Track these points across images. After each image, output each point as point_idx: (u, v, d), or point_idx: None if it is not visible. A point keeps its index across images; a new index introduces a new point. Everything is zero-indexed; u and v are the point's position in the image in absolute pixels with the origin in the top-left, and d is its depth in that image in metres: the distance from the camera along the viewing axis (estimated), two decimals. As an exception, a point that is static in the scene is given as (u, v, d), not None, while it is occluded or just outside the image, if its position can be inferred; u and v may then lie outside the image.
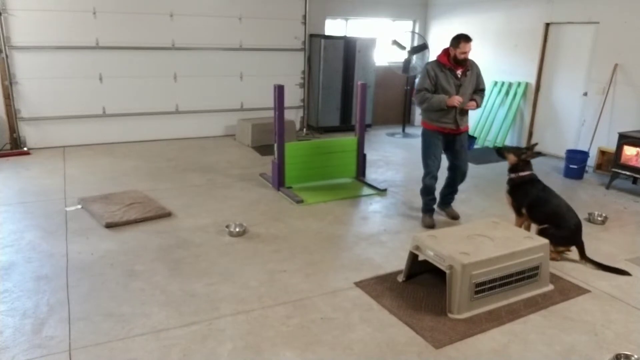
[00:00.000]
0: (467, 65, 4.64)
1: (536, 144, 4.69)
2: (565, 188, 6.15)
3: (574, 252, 4.27)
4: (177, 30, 7.80)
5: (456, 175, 4.96)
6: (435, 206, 5.06)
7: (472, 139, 4.97)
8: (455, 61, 4.58)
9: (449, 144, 4.84)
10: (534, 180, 4.33)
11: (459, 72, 4.63)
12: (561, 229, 4.14)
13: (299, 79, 8.99)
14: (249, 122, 7.98)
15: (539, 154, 4.48)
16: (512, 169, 4.38)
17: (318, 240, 4.49)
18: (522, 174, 4.32)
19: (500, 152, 4.53)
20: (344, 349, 2.98)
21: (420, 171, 5.03)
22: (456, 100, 4.55)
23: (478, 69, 4.79)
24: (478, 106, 4.78)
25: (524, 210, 4.31)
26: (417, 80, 9.14)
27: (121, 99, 7.70)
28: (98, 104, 7.56)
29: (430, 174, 4.88)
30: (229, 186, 5.92)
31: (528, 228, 4.38)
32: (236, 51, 8.32)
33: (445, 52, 4.65)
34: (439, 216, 5.08)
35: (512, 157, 4.37)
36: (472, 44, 4.56)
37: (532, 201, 4.26)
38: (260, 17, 8.34)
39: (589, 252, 4.23)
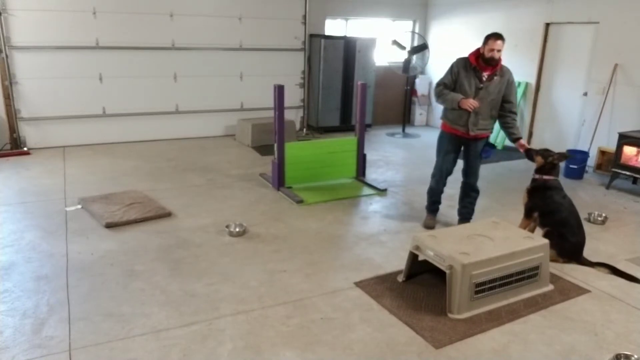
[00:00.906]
0: (497, 69, 4.35)
1: (568, 156, 4.44)
2: (565, 188, 6.06)
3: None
4: (177, 30, 7.80)
5: (466, 183, 4.79)
6: (440, 206, 5.00)
7: (490, 147, 4.79)
8: (484, 60, 4.29)
9: (463, 148, 4.68)
10: (555, 187, 4.26)
11: (485, 74, 4.36)
12: (564, 240, 4.11)
13: (299, 79, 8.98)
14: (249, 122, 7.98)
15: (566, 156, 4.42)
16: (538, 170, 4.33)
17: (318, 240, 4.49)
18: (546, 177, 4.27)
19: (529, 155, 4.46)
20: (344, 349, 2.98)
21: (420, 171, 5.05)
22: (470, 103, 4.29)
23: (511, 77, 4.45)
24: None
25: (535, 215, 4.27)
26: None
27: (121, 99, 7.70)
28: (98, 104, 7.57)
29: (435, 177, 4.84)
30: (229, 186, 5.92)
31: (532, 231, 4.34)
32: (236, 51, 8.32)
33: (477, 51, 4.38)
34: (439, 216, 5.07)
35: (539, 159, 4.32)
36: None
37: (547, 209, 4.21)
38: (260, 17, 8.34)
39: (589, 253, 4.23)
